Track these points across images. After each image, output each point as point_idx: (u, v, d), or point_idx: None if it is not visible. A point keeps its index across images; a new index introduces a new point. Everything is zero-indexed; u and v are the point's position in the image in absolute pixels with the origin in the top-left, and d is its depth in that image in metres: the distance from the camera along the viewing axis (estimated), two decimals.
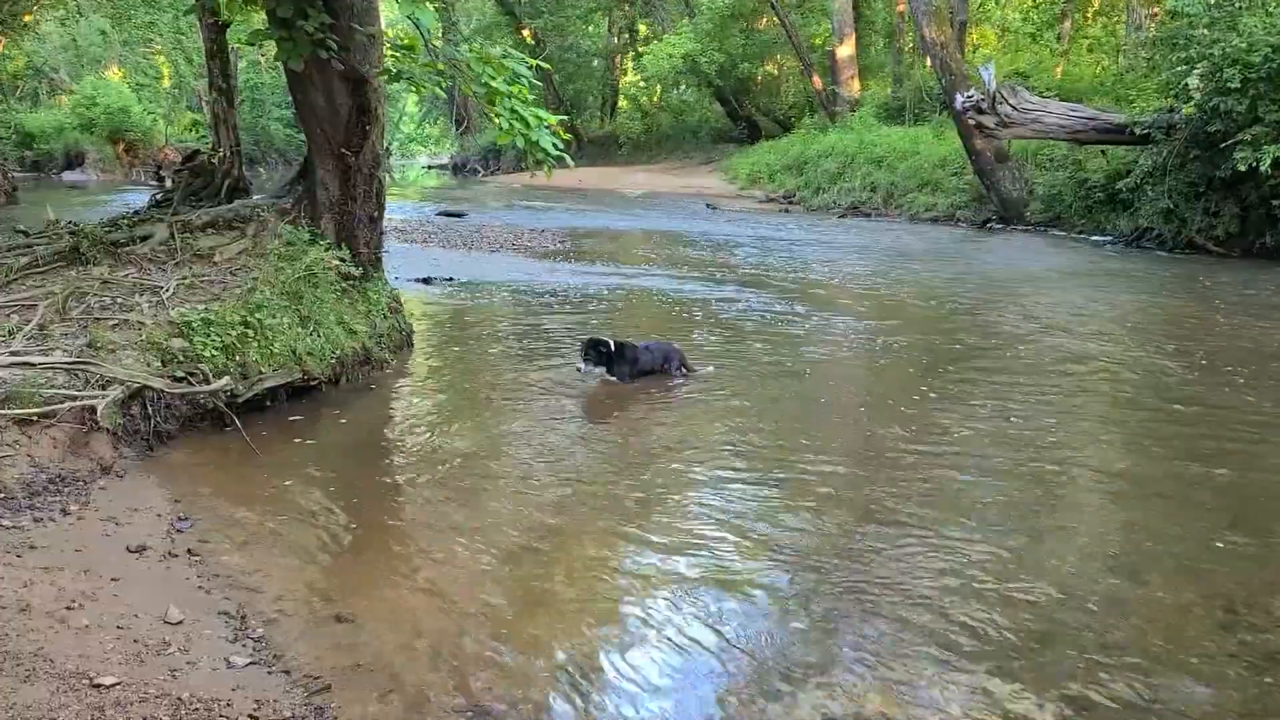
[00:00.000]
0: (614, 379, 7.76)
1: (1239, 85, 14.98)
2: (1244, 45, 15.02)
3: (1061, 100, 20.70)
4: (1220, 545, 4.89)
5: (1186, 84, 16.11)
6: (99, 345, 5.87)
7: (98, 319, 6.41)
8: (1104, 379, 8.29)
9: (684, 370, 8.12)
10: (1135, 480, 5.89)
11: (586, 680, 3.65)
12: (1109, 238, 18.48)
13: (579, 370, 7.78)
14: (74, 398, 5.32)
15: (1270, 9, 15.69)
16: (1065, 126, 19.16)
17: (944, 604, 4.22)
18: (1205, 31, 16.11)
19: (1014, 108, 19.49)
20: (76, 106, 34.80)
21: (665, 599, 4.29)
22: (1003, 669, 3.71)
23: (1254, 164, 14.69)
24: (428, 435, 6.67)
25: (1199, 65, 15.87)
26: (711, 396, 7.60)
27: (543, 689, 3.57)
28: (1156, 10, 25.06)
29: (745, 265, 15.41)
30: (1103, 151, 19.63)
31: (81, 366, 5.61)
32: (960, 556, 4.70)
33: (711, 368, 8.36)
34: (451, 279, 13.00)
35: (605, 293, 12.47)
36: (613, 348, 7.72)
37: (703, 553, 4.75)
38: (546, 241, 18.24)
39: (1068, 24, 30.79)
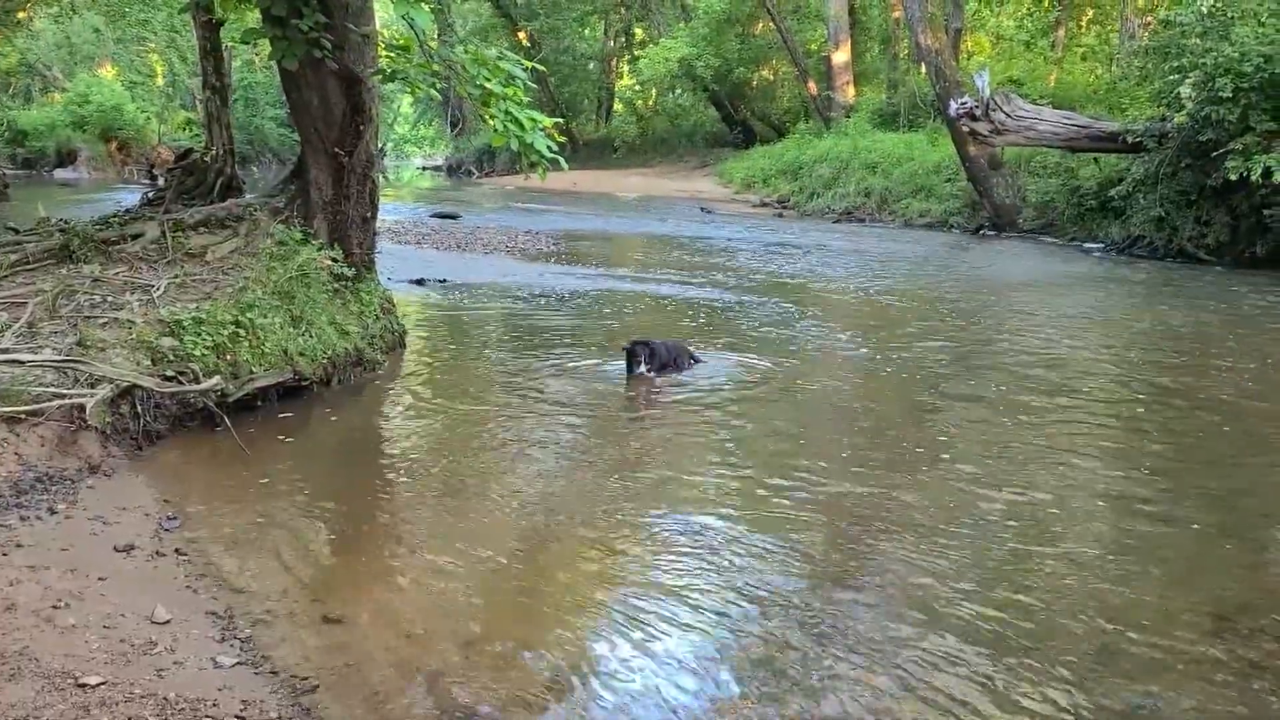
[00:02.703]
0: (651, 375, 7.95)
1: (1231, 94, 15.04)
2: (1236, 55, 15.08)
3: (1055, 108, 20.79)
4: (1210, 551, 4.91)
5: (1179, 93, 16.17)
6: (89, 343, 5.84)
7: (88, 317, 6.38)
8: (1093, 387, 8.31)
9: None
10: (1126, 488, 5.90)
11: (576, 683, 3.64)
12: (1101, 245, 18.52)
13: (642, 373, 7.88)
14: (63, 396, 5.30)
15: (1262, 19, 15.77)
16: (1058, 134, 19.24)
17: (933, 612, 4.22)
18: (1198, 41, 16.19)
19: (1008, 115, 19.56)
20: (69, 104, 34.64)
21: (656, 603, 4.28)
22: (991, 676, 3.71)
23: (1245, 173, 14.75)
24: (419, 437, 6.66)
25: (1191, 74, 15.93)
26: (705, 405, 7.59)
27: (532, 691, 3.56)
28: (1150, 19, 25.19)
29: (738, 269, 15.41)
30: (1095, 159, 19.70)
31: (71, 365, 5.58)
32: (950, 565, 4.70)
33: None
34: (445, 280, 12.98)
35: (598, 295, 12.47)
36: (651, 348, 7.95)
37: (693, 558, 4.74)
38: (540, 244, 18.24)
39: (1062, 32, 30.90)
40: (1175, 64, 16.64)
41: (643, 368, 7.89)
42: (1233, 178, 14.97)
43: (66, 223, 8.66)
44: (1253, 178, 14.67)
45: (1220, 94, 15.14)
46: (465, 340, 9.89)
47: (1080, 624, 4.12)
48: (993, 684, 3.65)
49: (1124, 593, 4.43)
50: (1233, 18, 16.08)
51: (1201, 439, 6.86)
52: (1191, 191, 16.62)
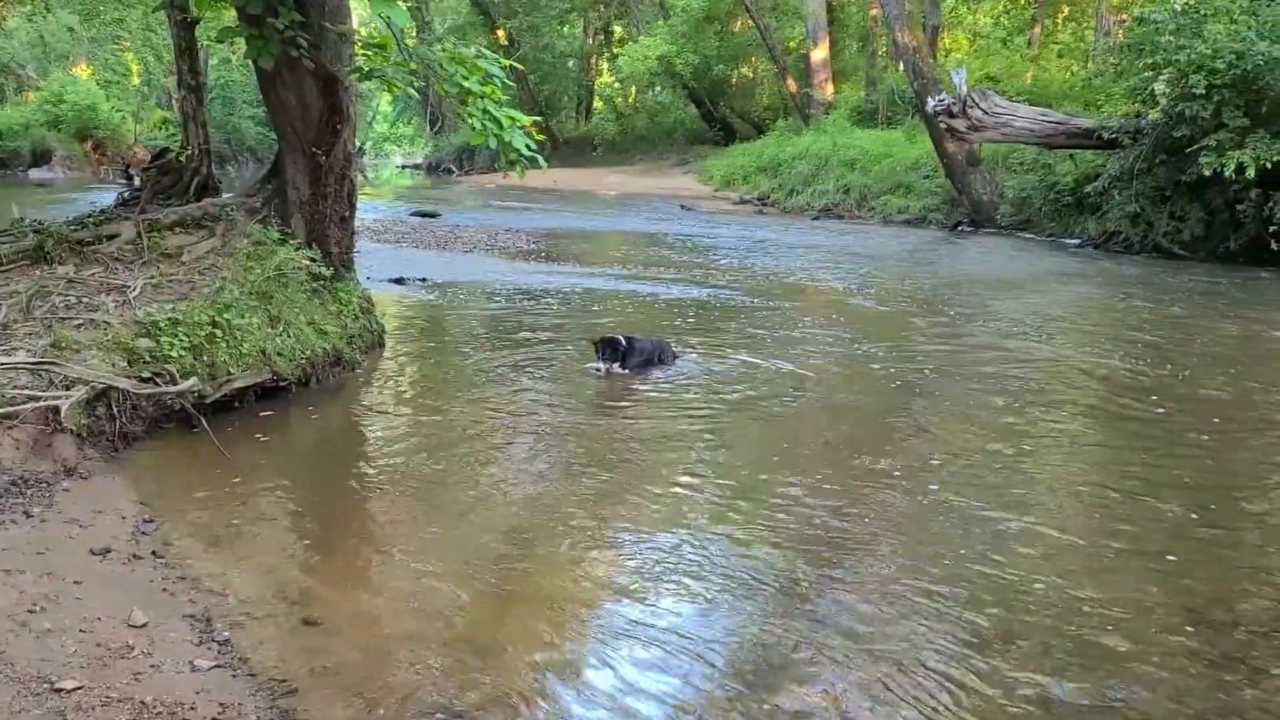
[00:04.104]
0: (624, 371, 8.06)
1: (1204, 91, 15.19)
2: (1209, 52, 15.23)
3: (1031, 105, 20.92)
4: (1184, 545, 4.96)
5: (1153, 90, 16.35)
6: (63, 345, 5.79)
7: (62, 319, 6.32)
8: (1068, 381, 8.38)
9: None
10: (1100, 481, 5.95)
11: (555, 682, 3.64)
12: (1077, 241, 18.70)
13: (599, 371, 8.00)
14: (37, 398, 5.25)
15: (1234, 16, 15.93)
16: (1035, 131, 19.37)
17: (907, 604, 4.25)
18: (1171, 38, 16.33)
19: (985, 112, 19.67)
20: (44, 103, 34.26)
21: (636, 602, 4.29)
22: (964, 668, 3.74)
23: (1219, 169, 14.91)
24: (398, 437, 6.64)
25: (1165, 71, 16.09)
26: (686, 403, 7.61)
27: (512, 691, 3.56)
28: (1124, 16, 25.41)
29: (719, 267, 15.44)
30: (1071, 156, 19.87)
31: (45, 367, 5.53)
32: (923, 556, 4.74)
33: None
34: (425, 279, 12.94)
35: (579, 293, 12.46)
36: (624, 344, 8.06)
37: (673, 559, 4.74)
38: (520, 242, 18.20)
39: (1038, 29, 31.17)
40: (1149, 61, 16.79)
41: (601, 364, 7.99)
42: (1206, 173, 15.12)
43: (41, 223, 8.57)
44: (1226, 173, 14.82)
45: (1194, 90, 15.28)
46: (445, 339, 9.86)
47: (1054, 618, 4.16)
48: (967, 678, 3.67)
49: (1098, 586, 4.47)
50: (1205, 15, 16.22)
51: (1176, 433, 6.92)
52: (1166, 187, 16.78)
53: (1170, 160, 16.46)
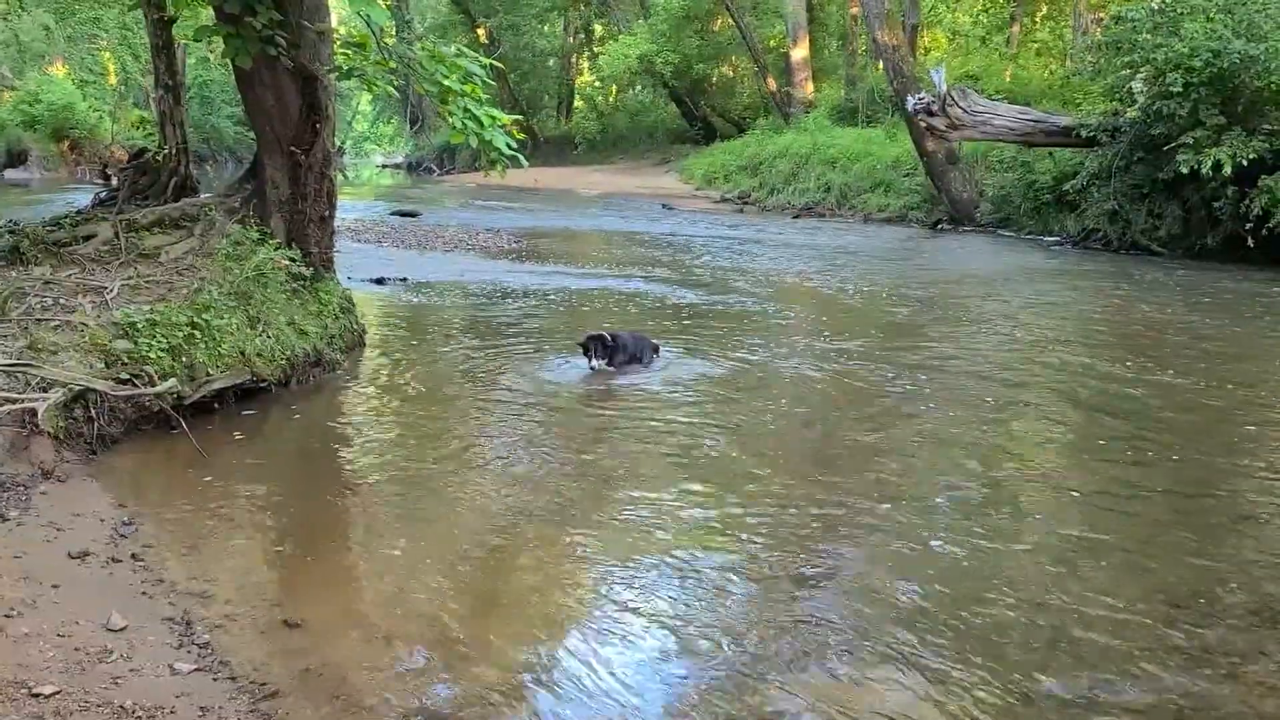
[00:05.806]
0: (610, 368, 8.05)
1: (1181, 89, 15.30)
2: (1186, 50, 15.35)
3: (1010, 103, 21.01)
4: (1162, 542, 5.00)
5: (1131, 88, 16.44)
6: (40, 347, 5.74)
7: (39, 320, 6.25)
8: (1045, 379, 8.41)
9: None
10: (1079, 479, 5.99)
11: (537, 684, 3.64)
12: (1056, 239, 18.80)
13: (598, 367, 7.98)
14: (13, 400, 5.20)
15: (1211, 15, 16.07)
16: (1014, 129, 19.46)
17: (889, 602, 4.26)
18: (1149, 36, 16.45)
19: (964, 110, 19.75)
20: (20, 103, 33.92)
21: (619, 603, 4.28)
22: (945, 666, 3.75)
23: (1196, 166, 15.01)
24: (378, 438, 6.61)
25: (1143, 69, 16.19)
26: (666, 402, 7.61)
27: (493, 693, 3.55)
28: (1102, 15, 25.59)
29: (700, 266, 15.45)
30: (1050, 154, 19.96)
31: (21, 368, 5.47)
32: (905, 555, 4.75)
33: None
34: (405, 279, 12.89)
35: (560, 293, 12.44)
36: (610, 340, 8.04)
37: (656, 557, 4.74)
38: (501, 242, 18.16)
39: (1016, 28, 31.36)
40: (1127, 59, 16.91)
41: (595, 362, 7.95)
42: (1184, 171, 15.22)
43: (16, 224, 8.49)
44: (1203, 171, 14.92)
45: (1171, 89, 15.39)
46: (426, 339, 9.83)
47: (1035, 613, 4.18)
48: (948, 675, 3.69)
49: (1078, 582, 4.49)
50: (1182, 13, 16.35)
51: (1155, 430, 6.96)
52: (1144, 185, 16.89)
53: (1148, 158, 16.57)
